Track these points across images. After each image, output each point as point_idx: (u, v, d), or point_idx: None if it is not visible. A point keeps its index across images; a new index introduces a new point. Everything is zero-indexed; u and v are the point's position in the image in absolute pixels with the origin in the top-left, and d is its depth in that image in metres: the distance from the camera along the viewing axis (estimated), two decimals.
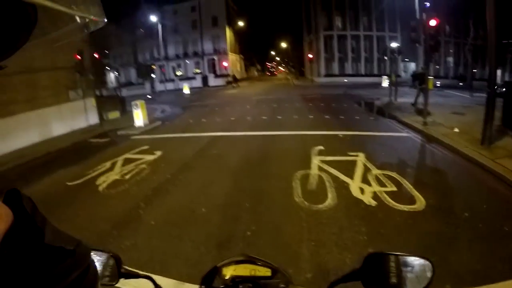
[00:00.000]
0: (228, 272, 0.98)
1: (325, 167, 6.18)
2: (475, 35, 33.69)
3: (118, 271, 0.93)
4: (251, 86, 40.08)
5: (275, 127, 10.62)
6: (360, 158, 6.61)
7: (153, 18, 38.88)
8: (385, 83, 29.88)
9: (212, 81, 43.16)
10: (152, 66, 37.77)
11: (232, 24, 50.66)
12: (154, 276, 0.98)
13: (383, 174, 5.65)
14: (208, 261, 3.23)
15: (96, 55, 16.73)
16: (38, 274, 0.43)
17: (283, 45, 76.93)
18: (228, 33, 49.58)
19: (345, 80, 37.63)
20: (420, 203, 4.50)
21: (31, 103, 12.93)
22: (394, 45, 20.30)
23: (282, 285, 0.95)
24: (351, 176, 5.64)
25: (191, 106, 19.77)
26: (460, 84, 32.02)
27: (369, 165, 6.20)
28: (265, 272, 0.97)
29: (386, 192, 4.87)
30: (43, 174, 7.49)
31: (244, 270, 0.97)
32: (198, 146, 8.66)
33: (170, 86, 41.05)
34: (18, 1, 0.38)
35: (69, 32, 0.51)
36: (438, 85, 25.91)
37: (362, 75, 41.48)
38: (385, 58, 41.18)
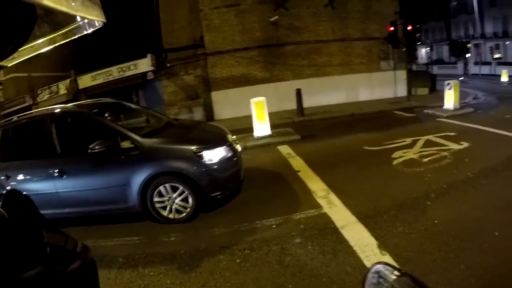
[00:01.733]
0: None
1: None
2: None
3: None
4: None
5: None
6: None
7: None
8: None
9: None
10: (467, 44, 32.71)
11: None
12: None
13: None
14: None
15: (409, 28, 16.09)
16: (39, 274, 0.43)
17: None
18: None
19: None
20: None
21: (344, 67, 14.66)
22: None
23: None
24: None
25: (509, 98, 15.68)
26: None
27: None
28: None
29: None
30: (344, 132, 8.21)
31: None
32: None
33: (485, 69, 34.58)
34: (17, 1, 0.37)
35: (68, 33, 0.48)
36: None
37: None
38: None
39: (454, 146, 6.81)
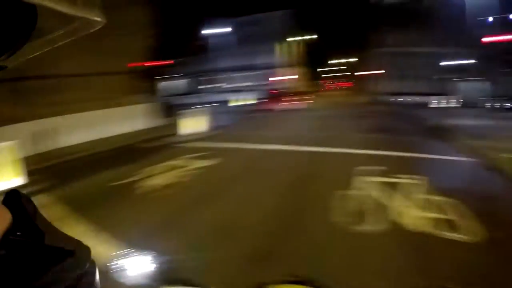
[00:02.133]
0: None
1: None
2: None
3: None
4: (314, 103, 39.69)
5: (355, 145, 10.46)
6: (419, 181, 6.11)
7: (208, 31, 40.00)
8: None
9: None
10: (200, 77, 39.02)
11: (293, 37, 50.99)
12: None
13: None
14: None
15: (157, 63, 17.66)
16: (38, 274, 0.42)
17: (345, 59, 75.65)
18: (288, 47, 49.91)
19: (409, 98, 35.85)
20: None
21: (96, 102, 13.94)
22: (465, 61, 18.78)
23: None
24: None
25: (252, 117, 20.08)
26: None
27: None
28: None
29: None
30: (92, 171, 7.97)
31: None
32: (254, 158, 8.90)
33: (220, 97, 41.81)
34: (17, 1, 0.37)
35: (68, 33, 0.50)
36: None
37: (427, 94, 38.90)
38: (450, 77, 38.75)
39: (202, 164, 8.09)
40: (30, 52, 0.49)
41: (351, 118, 17.84)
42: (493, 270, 3.29)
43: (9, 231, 0.42)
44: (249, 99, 35.02)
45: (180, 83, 52.70)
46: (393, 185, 5.86)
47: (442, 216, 4.53)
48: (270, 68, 49.06)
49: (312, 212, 4.92)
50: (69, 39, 0.52)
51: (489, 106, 26.92)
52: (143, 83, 14.91)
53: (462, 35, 33.84)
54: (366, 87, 47.18)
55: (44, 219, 0.49)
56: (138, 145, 11.78)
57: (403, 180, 6.15)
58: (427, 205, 4.92)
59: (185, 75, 51.49)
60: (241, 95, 41.81)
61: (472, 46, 30.91)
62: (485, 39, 10.61)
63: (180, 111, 13.24)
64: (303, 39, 51.32)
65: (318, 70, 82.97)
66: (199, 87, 38.99)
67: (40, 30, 0.45)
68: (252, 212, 5.01)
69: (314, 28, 59.22)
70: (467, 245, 3.79)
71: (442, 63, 38.52)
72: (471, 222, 4.33)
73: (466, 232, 4.05)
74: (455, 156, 8.64)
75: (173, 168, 7.82)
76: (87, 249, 0.52)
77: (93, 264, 0.53)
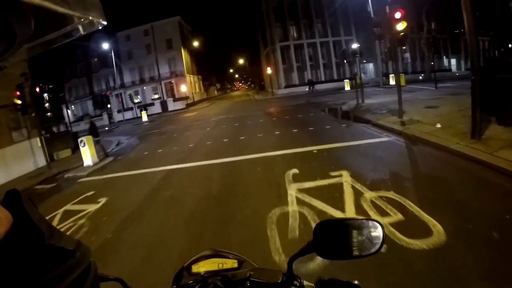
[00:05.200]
0: (198, 269, 1.02)
1: (306, 198, 4.82)
2: (428, 29, 34.81)
3: None
4: (211, 106, 38.99)
5: (239, 151, 9.09)
6: (345, 178, 5.44)
7: (106, 46, 37.07)
8: (348, 86, 29.86)
9: (172, 105, 41.41)
10: (105, 94, 35.59)
11: (187, 45, 49.74)
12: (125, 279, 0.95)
13: (379, 196, 4.50)
14: None
15: (37, 90, 14.87)
16: (39, 274, 0.42)
17: (241, 61, 77.02)
18: (184, 54, 48.58)
19: (306, 89, 37.31)
20: (438, 233, 3.36)
21: None
22: (354, 46, 19.92)
23: (250, 272, 0.93)
24: (341, 207, 4.35)
25: (148, 135, 18.30)
26: (420, 77, 32.54)
27: (358, 186, 5.01)
28: (232, 264, 1.03)
29: (392, 224, 3.68)
30: None
31: (212, 264, 1.03)
32: (150, 186, 7.09)
33: (129, 114, 39.22)
34: (16, 1, 0.38)
35: (67, 33, 0.50)
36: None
37: (322, 82, 41.44)
38: (345, 61, 41.52)
39: (92, 207, 6.24)
40: (29, 53, 0.49)
41: (258, 117, 17.43)
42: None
43: (9, 232, 0.42)
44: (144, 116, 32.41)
45: (86, 105, 48.13)
46: (326, 189, 5.12)
47: (389, 219, 3.83)
48: (172, 77, 47.25)
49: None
50: (69, 40, 0.52)
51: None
52: (28, 115, 12.26)
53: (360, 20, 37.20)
54: (268, 84, 48.43)
55: (44, 219, 0.49)
56: (34, 189, 9.57)
57: (334, 180, 5.50)
58: (369, 207, 4.21)
59: (89, 96, 47.00)
60: (149, 109, 39.48)
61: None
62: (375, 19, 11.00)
63: (82, 138, 10.96)
64: (199, 45, 50.25)
65: (218, 74, 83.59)
66: (107, 106, 35.19)
67: (40, 31, 0.45)
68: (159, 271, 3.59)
69: (209, 33, 58.76)
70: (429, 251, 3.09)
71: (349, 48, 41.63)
72: (422, 218, 3.73)
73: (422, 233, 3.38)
74: (376, 138, 8.48)
75: (66, 216, 6.12)
76: (87, 249, 0.53)
77: (93, 264, 0.54)
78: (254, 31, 58.97)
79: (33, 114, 12.69)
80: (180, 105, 41.57)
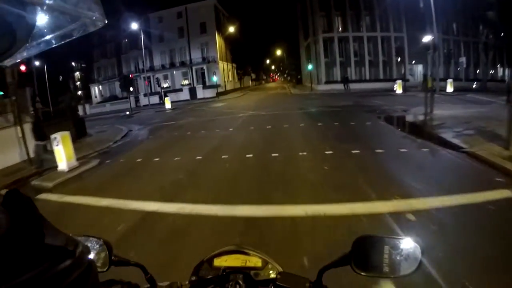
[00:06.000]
0: (220, 263, 0.98)
1: None
2: (487, 35, 29.93)
3: (109, 259, 0.90)
4: (243, 97, 35.97)
5: (267, 188, 5.47)
6: None
7: (136, 27, 34.86)
8: (399, 88, 25.80)
9: (201, 93, 38.45)
10: (130, 77, 33.39)
11: (222, 30, 46.72)
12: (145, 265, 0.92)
13: None
14: None
15: (23, 68, 12.26)
16: (38, 274, 0.42)
17: (279, 52, 73.30)
18: (218, 40, 45.70)
19: (356, 87, 33.33)
20: None
21: None
22: (427, 39, 16.13)
23: (273, 275, 0.93)
24: None
25: (162, 127, 15.47)
26: (473, 86, 27.98)
27: None
28: (255, 262, 0.98)
29: None
30: None
31: (235, 260, 0.98)
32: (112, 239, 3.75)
33: (155, 99, 36.82)
34: (16, 1, 0.38)
35: (68, 33, 0.50)
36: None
37: (367, 81, 37.25)
38: (399, 60, 37.23)
39: None
40: (29, 52, 0.48)
41: (296, 119, 14.14)
42: None
43: (9, 232, 0.42)
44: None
45: (114, 87, 46.57)
46: None
47: None
48: (204, 63, 44.50)
49: None
50: (69, 39, 0.51)
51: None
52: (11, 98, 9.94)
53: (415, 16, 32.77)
54: (306, 78, 44.40)
55: (44, 219, 0.48)
56: None
57: None
58: None
59: (114, 78, 45.32)
60: (176, 95, 37.11)
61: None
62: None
63: (56, 134, 8.17)
64: (234, 32, 47.05)
65: (254, 64, 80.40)
66: (131, 88, 33.24)
67: (40, 30, 0.45)
68: None
69: (246, 19, 55.27)
70: None
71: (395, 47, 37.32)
72: None
73: None
74: (490, 189, 4.82)
75: None
76: (87, 249, 0.52)
77: (93, 264, 0.53)
78: (295, 20, 54.92)
79: (14, 98, 10.17)
80: (210, 93, 38.59)
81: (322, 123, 12.29)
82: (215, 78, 42.21)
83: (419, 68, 38.65)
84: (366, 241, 0.85)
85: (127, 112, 26.14)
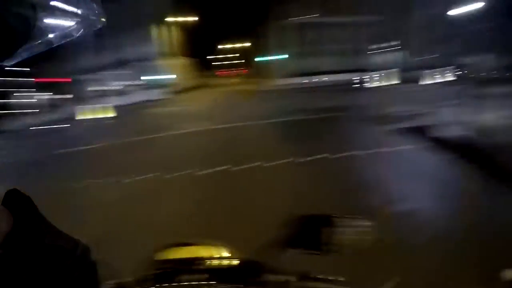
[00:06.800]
0: (168, 256, 0.97)
1: None
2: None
3: None
4: (199, 97, 30.18)
5: None
6: None
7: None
8: (382, 81, 21.83)
9: (143, 95, 31.81)
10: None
11: (177, 21, 40.55)
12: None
13: None
14: None
15: None
16: (39, 274, 0.42)
17: (239, 44, 68.50)
18: (173, 32, 39.52)
19: (325, 79, 28.90)
20: None
21: None
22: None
23: (224, 263, 0.95)
24: None
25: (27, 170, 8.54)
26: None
27: None
28: (205, 252, 0.98)
29: None
30: None
31: (185, 252, 0.98)
32: None
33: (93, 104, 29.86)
34: (16, 1, 0.39)
35: (68, 33, 0.50)
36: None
37: (330, 72, 32.03)
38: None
39: None
40: (29, 52, 0.48)
41: (272, 146, 8.57)
42: None
43: (10, 232, 0.42)
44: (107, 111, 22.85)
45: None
46: None
47: None
48: (146, 61, 37.72)
49: None
50: (69, 39, 0.51)
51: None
52: None
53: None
54: (266, 71, 38.88)
55: (44, 219, 0.48)
56: None
57: None
58: None
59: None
60: (121, 98, 30.29)
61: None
62: None
63: None
64: (184, 21, 41.12)
65: (208, 58, 73.97)
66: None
67: (40, 30, 0.45)
68: None
69: (196, 7, 48.34)
70: None
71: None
72: None
73: None
74: None
75: None
76: (87, 249, 0.52)
77: (93, 263, 0.53)
78: (256, 6, 48.76)
79: None
80: (161, 93, 32.32)
81: (315, 150, 6.77)
82: (168, 76, 36.29)
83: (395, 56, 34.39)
84: (308, 220, 0.87)
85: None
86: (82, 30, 0.49)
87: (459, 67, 22.06)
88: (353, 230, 0.82)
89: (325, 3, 33.29)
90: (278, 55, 34.52)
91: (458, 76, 21.50)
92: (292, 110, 13.67)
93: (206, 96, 29.31)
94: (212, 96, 29.26)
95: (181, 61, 44.61)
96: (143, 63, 37.46)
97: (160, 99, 29.88)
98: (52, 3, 0.42)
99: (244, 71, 72.26)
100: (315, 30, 33.59)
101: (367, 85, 22.28)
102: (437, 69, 22.14)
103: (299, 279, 0.80)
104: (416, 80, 22.41)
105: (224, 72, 79.41)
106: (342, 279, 0.80)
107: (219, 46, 75.46)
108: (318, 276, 0.81)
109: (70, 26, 0.48)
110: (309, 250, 0.83)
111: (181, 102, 26.96)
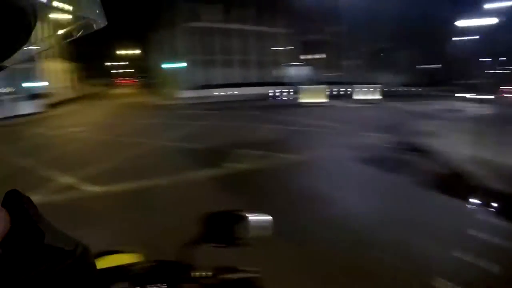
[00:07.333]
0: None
1: None
2: None
3: None
4: (78, 114, 23.93)
5: None
6: None
7: None
8: (323, 98, 19.77)
9: (15, 107, 23.51)
10: None
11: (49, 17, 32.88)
12: None
13: None
14: None
15: None
16: (38, 275, 0.42)
17: (132, 51, 61.79)
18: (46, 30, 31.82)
19: (236, 92, 25.89)
20: None
21: None
22: None
23: (146, 265, 0.91)
24: None
25: None
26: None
27: None
28: (130, 259, 0.98)
29: None
30: None
31: (112, 261, 0.96)
32: None
33: None
34: (16, 2, 0.38)
35: (68, 33, 0.48)
36: None
37: (247, 84, 29.71)
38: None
39: None
40: (29, 53, 0.48)
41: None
42: None
43: (9, 233, 0.42)
44: None
45: None
46: None
47: None
48: (28, 63, 29.83)
49: None
50: (69, 40, 0.50)
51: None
52: None
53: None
54: (169, 80, 34.09)
55: (44, 219, 0.48)
56: None
57: None
58: None
59: None
60: None
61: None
62: None
63: None
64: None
65: (106, 64, 66.54)
66: None
67: (40, 30, 0.44)
68: None
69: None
70: None
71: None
72: None
73: None
74: None
75: None
76: (87, 249, 0.51)
77: (93, 263, 0.53)
78: (153, 7, 43.34)
79: None
80: (34, 106, 23.79)
81: None
82: (40, 84, 28.87)
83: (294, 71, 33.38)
84: (215, 216, 0.92)
85: None
86: (82, 30, 0.48)
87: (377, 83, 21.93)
88: (257, 225, 0.91)
89: (232, 10, 30.59)
90: (182, 63, 30.29)
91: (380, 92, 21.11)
92: (220, 141, 9.96)
93: (95, 113, 23.40)
94: (101, 111, 23.59)
95: (65, 66, 36.67)
96: (24, 66, 28.88)
97: (34, 113, 22.52)
98: (52, 3, 0.40)
99: (136, 81, 65.65)
100: (222, 37, 30.61)
101: (292, 101, 20.04)
102: (365, 85, 21.43)
103: (217, 272, 0.86)
104: (347, 96, 21.34)
105: (122, 81, 70.99)
106: (253, 268, 0.88)
107: (119, 52, 66.68)
108: (232, 267, 0.88)
109: (70, 26, 0.46)
110: (219, 244, 0.91)
111: (61, 118, 20.69)
